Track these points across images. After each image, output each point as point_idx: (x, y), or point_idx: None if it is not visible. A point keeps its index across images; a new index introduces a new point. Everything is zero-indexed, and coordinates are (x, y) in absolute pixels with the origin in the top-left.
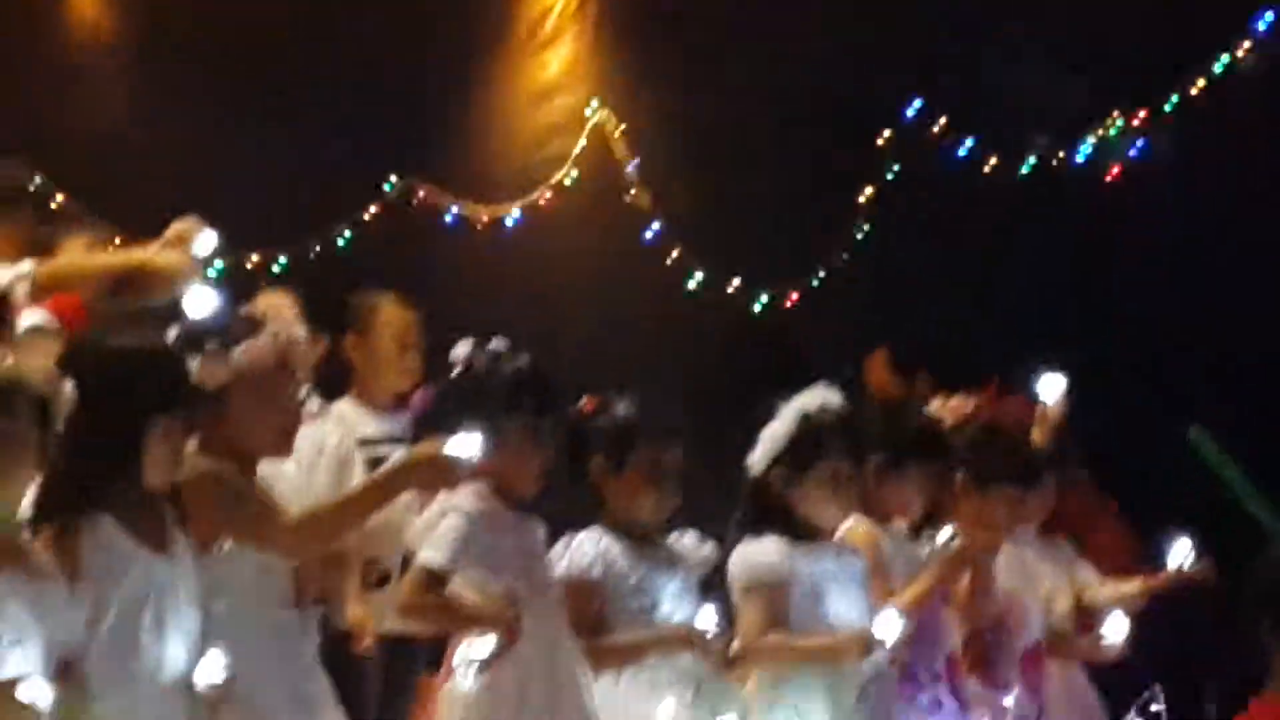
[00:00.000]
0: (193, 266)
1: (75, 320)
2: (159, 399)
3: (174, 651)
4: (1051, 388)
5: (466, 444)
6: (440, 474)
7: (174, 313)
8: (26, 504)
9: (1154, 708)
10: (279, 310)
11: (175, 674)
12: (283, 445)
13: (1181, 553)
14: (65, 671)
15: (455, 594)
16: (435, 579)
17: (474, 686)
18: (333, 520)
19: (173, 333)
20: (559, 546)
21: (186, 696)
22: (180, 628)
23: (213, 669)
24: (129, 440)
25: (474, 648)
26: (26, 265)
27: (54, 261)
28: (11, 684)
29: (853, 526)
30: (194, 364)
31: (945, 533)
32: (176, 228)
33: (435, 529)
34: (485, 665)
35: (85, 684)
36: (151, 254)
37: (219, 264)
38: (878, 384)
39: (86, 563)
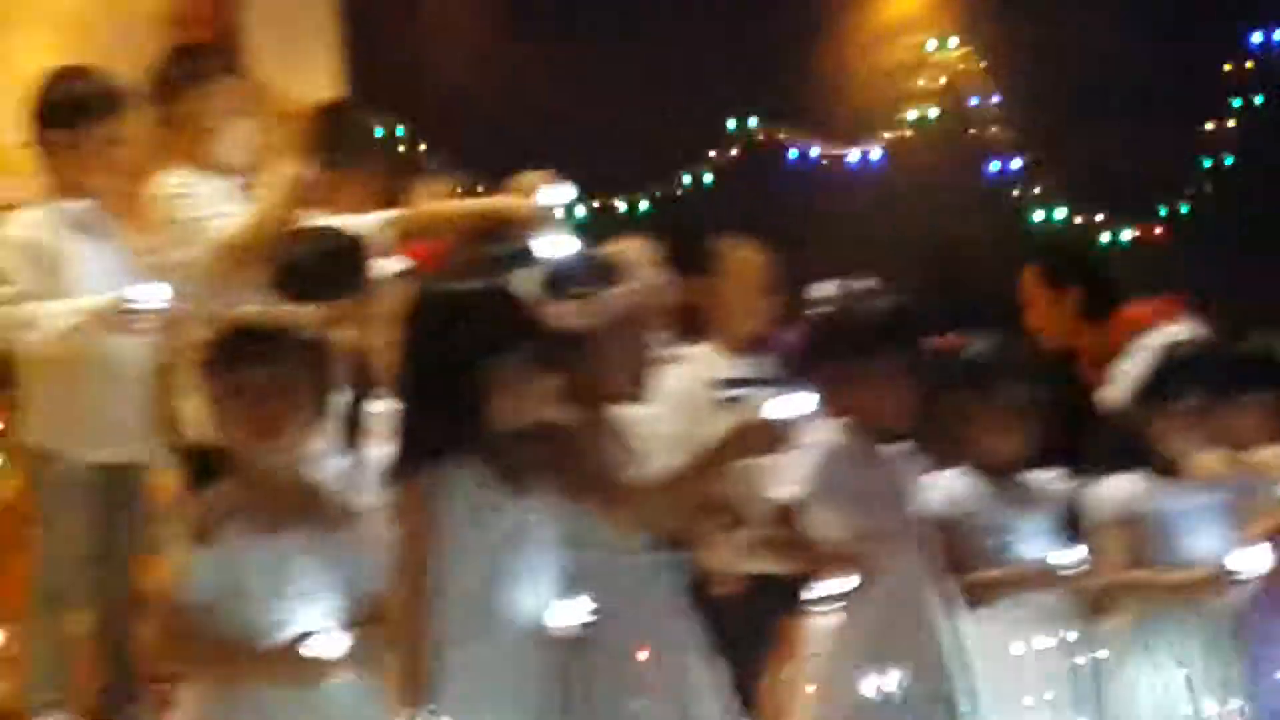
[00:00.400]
0: (549, 213)
1: (436, 266)
2: (499, 338)
3: (537, 599)
4: None
5: (790, 404)
6: (766, 439)
7: (529, 260)
8: (321, 455)
9: None
10: (636, 255)
11: (538, 621)
12: (636, 392)
13: None
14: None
15: (809, 531)
16: (788, 515)
17: (829, 625)
18: (671, 499)
19: (529, 278)
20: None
21: (549, 644)
22: (544, 574)
23: (574, 615)
24: (475, 382)
25: (829, 586)
26: (391, 212)
27: (416, 208)
28: (299, 641)
29: (1208, 459)
30: (554, 311)
31: None
32: (528, 177)
33: (792, 466)
34: (839, 603)
35: (447, 630)
36: (510, 200)
37: (576, 210)
38: (1030, 302)
39: (449, 509)
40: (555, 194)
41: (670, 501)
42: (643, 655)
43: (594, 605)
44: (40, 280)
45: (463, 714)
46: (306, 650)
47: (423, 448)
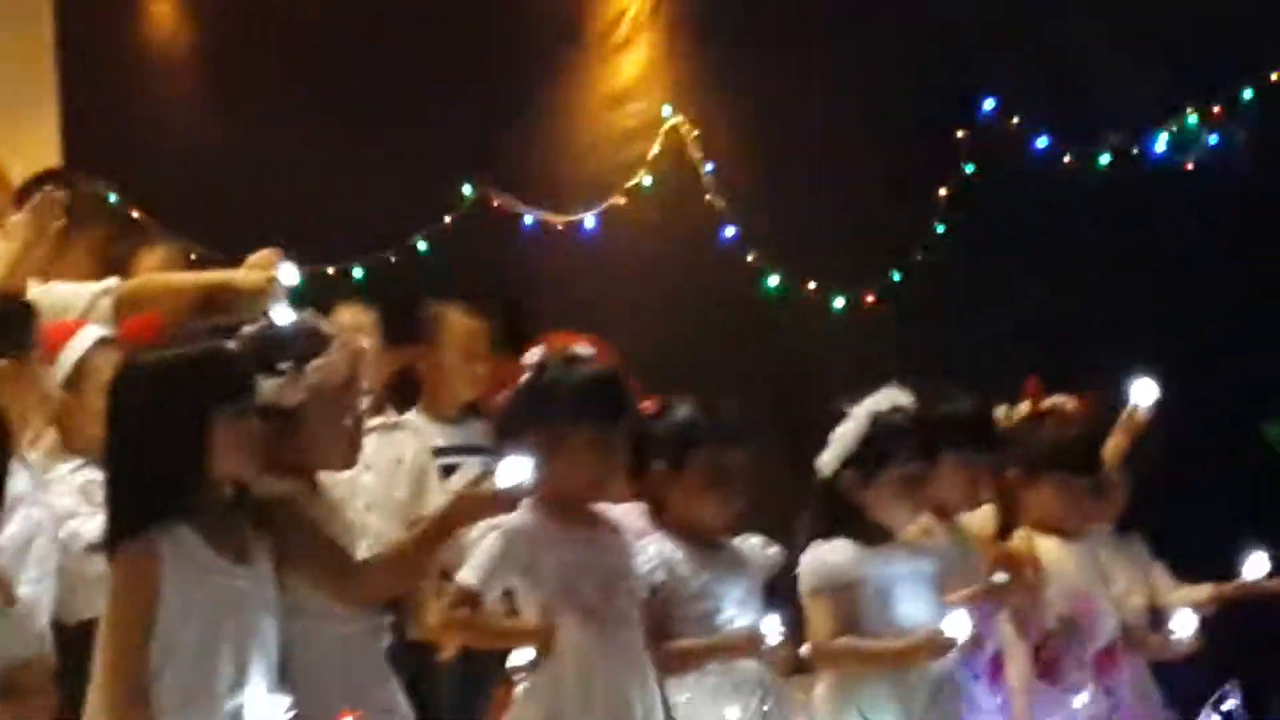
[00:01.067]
0: (275, 287)
1: (150, 336)
2: (217, 393)
3: (254, 666)
4: (1143, 392)
5: (516, 470)
6: (491, 506)
7: (241, 332)
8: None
9: (1228, 706)
10: (355, 323)
11: (254, 689)
12: (349, 459)
13: (1257, 566)
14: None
15: (490, 611)
16: (468, 597)
17: (520, 697)
18: (393, 573)
19: (239, 346)
20: None
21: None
22: (260, 640)
23: (274, 713)
24: (193, 440)
25: (519, 657)
26: (111, 281)
27: (138, 278)
28: None
29: (917, 525)
30: (267, 385)
31: (998, 575)
32: (258, 256)
33: (475, 548)
34: (524, 677)
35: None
36: (235, 274)
37: (298, 277)
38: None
39: (162, 576)
40: (286, 271)
41: (392, 573)
42: None
43: (296, 693)
44: None
45: None
46: None
47: (135, 515)
